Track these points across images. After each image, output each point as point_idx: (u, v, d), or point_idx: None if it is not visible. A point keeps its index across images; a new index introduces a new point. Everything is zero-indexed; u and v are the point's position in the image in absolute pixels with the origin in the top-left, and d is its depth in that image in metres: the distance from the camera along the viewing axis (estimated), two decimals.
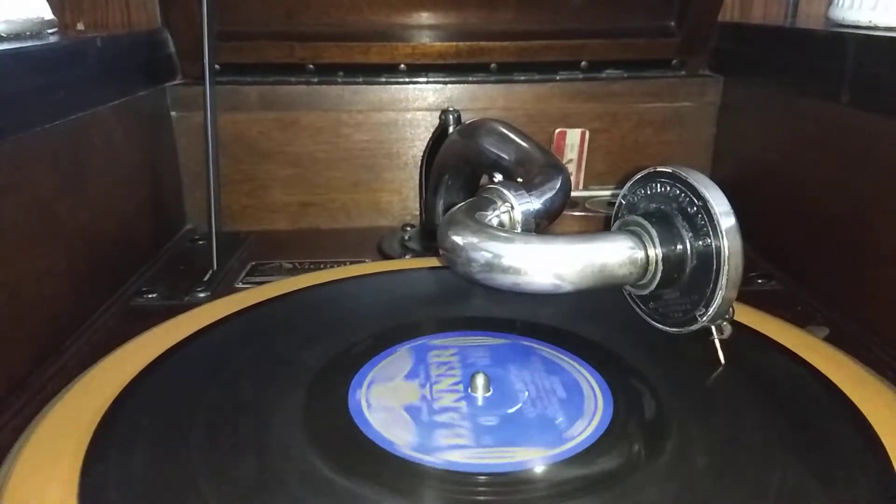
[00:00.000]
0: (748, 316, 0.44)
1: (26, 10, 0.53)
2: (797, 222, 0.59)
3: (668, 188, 0.38)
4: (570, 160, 0.72)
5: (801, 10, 0.75)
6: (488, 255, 0.36)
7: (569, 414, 0.35)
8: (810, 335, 0.44)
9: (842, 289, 0.53)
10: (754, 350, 0.41)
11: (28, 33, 0.53)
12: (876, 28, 0.55)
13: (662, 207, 0.39)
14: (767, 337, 0.42)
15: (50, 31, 0.56)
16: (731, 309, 0.37)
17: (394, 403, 0.35)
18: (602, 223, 0.64)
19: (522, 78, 0.72)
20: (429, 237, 0.63)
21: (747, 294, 0.46)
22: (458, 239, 0.37)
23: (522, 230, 0.41)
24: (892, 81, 0.47)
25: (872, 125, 0.50)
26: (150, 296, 0.55)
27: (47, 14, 0.55)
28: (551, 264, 0.36)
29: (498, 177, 0.47)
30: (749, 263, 0.60)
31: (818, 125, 0.57)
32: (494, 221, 0.40)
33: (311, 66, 0.71)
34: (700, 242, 0.37)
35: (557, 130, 0.72)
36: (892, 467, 0.30)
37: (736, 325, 0.40)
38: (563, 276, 0.36)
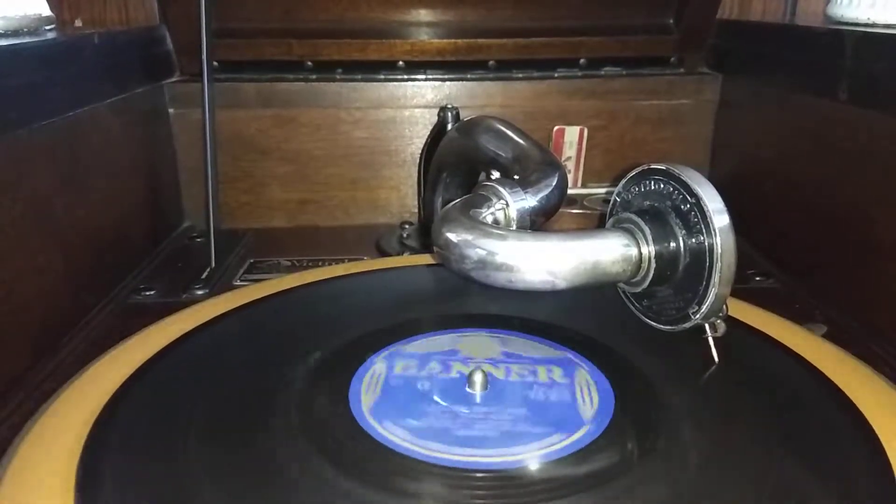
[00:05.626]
0: (746, 313, 0.44)
1: (24, 6, 0.53)
2: (796, 219, 0.59)
3: (662, 185, 0.38)
4: (569, 157, 0.72)
5: (799, 7, 0.75)
6: (482, 253, 0.36)
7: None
8: (808, 332, 0.44)
9: (840, 286, 0.53)
10: (752, 347, 0.41)
11: (26, 30, 0.53)
12: (874, 25, 0.55)
13: (656, 205, 0.39)
14: (765, 334, 0.42)
15: (48, 27, 0.56)
16: (724, 307, 0.37)
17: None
18: (599, 221, 0.64)
19: (521, 75, 0.72)
20: (427, 234, 0.63)
21: (745, 291, 0.46)
22: (451, 236, 0.37)
23: (517, 227, 0.41)
24: (890, 78, 0.47)
25: (870, 122, 0.50)
26: (147, 293, 0.55)
27: (45, 10, 0.55)
28: (544, 261, 0.36)
29: (495, 174, 0.47)
30: (747, 261, 0.60)
31: (816, 122, 0.56)
32: (489, 219, 0.40)
33: (309, 64, 0.71)
34: (693, 240, 0.37)
35: (556, 128, 0.72)
36: (890, 464, 0.30)
37: (733, 322, 0.40)
38: (557, 273, 0.36)
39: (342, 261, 0.60)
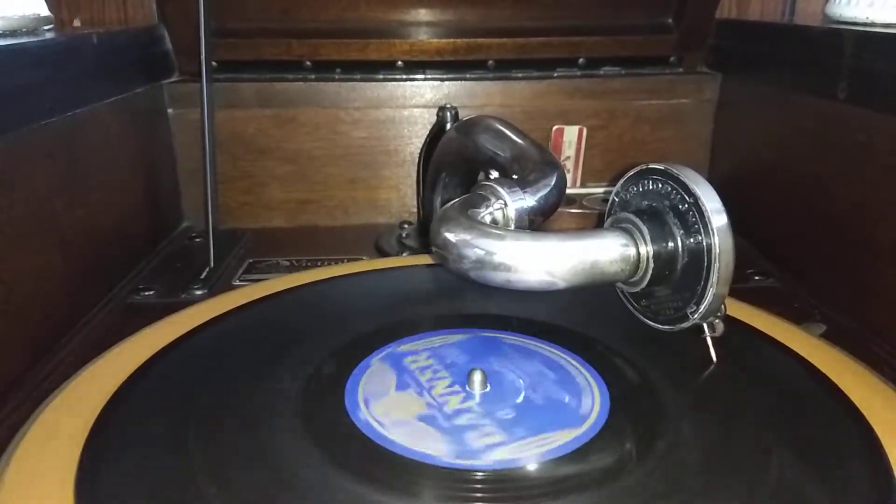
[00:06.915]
0: (744, 312, 0.44)
1: (23, 6, 0.53)
2: (795, 219, 0.59)
3: (661, 185, 0.38)
4: (568, 157, 0.72)
5: (798, 6, 0.75)
6: (480, 252, 0.36)
7: (572, 393, 0.35)
8: (807, 332, 0.44)
9: (839, 285, 0.53)
10: (750, 346, 0.41)
11: (24, 30, 0.53)
12: (873, 24, 0.55)
13: (655, 205, 0.39)
14: (763, 333, 0.42)
15: (46, 27, 0.56)
16: (722, 306, 0.37)
17: (406, 417, 0.34)
18: (598, 220, 0.64)
19: (520, 75, 0.72)
20: (426, 234, 0.63)
21: (744, 291, 0.46)
22: (450, 236, 0.37)
23: (516, 227, 0.41)
24: (889, 78, 0.47)
25: (870, 121, 0.50)
26: (147, 293, 0.55)
27: (44, 10, 0.55)
28: (542, 261, 0.36)
29: (493, 173, 0.47)
30: (746, 260, 0.60)
31: (816, 122, 0.56)
32: (487, 218, 0.40)
33: (308, 63, 0.71)
34: (691, 240, 0.37)
35: (555, 127, 0.72)
36: (889, 464, 0.31)
37: (732, 321, 0.40)
38: (555, 273, 0.36)
39: (341, 261, 0.60)
